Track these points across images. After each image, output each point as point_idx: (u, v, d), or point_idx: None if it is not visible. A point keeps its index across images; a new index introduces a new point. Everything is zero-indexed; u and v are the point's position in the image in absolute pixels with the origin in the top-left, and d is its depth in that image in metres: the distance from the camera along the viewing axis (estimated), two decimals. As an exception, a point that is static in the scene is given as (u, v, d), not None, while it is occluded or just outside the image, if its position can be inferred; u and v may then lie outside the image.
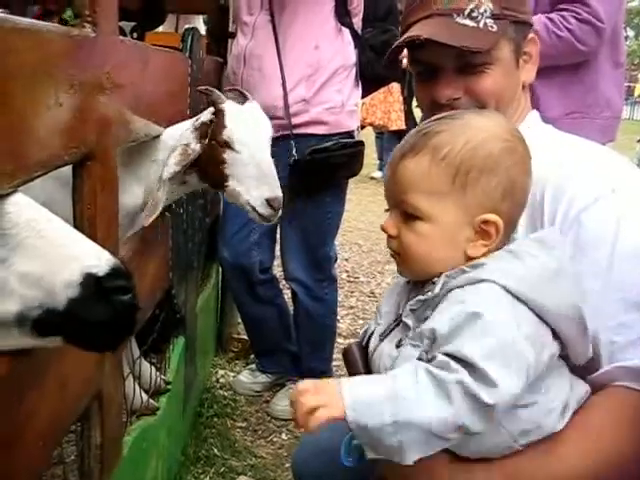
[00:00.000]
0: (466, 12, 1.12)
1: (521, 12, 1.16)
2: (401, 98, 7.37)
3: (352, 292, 4.25)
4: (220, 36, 2.75)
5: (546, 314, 0.89)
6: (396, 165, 0.98)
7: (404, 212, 0.97)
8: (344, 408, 0.84)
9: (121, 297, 0.82)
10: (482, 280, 0.89)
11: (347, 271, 4.68)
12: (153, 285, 1.66)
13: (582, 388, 0.97)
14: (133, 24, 2.71)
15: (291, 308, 2.87)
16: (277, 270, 2.91)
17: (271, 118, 2.40)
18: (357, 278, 4.55)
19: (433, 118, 1.01)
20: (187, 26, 2.03)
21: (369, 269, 4.76)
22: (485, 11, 1.11)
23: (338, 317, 3.51)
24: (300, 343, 2.83)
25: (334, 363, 3.06)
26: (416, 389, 0.83)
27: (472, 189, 0.93)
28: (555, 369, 0.93)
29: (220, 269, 3.09)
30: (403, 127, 6.91)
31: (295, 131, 2.42)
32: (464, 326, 0.85)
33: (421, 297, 0.95)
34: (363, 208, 6.39)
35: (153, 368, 1.93)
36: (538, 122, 1.23)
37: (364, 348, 1.07)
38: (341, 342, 3.39)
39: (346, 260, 4.92)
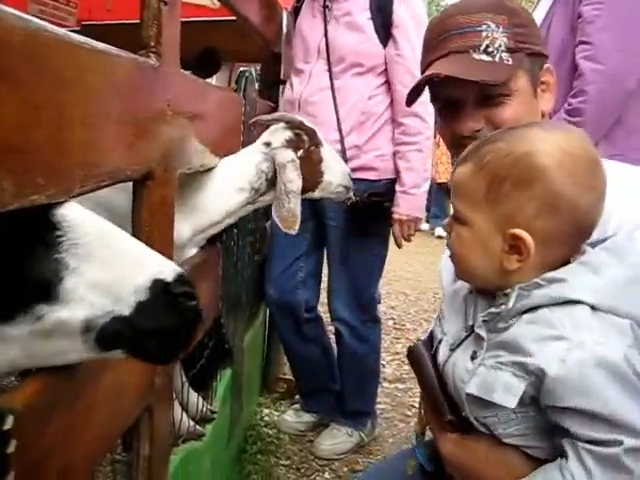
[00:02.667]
0: (482, 48, 1.17)
1: (535, 44, 1.20)
2: (448, 151, 7.46)
3: (398, 339, 4.24)
4: (272, 82, 2.87)
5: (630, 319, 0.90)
6: (454, 169, 1.03)
7: (454, 215, 1.02)
8: None
9: (188, 302, 0.85)
10: (570, 300, 0.89)
11: (393, 319, 4.67)
12: (205, 308, 1.71)
13: None
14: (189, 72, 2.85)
15: (335, 349, 2.89)
16: (321, 310, 2.95)
17: (324, 162, 2.51)
18: (403, 325, 4.54)
19: (498, 130, 1.04)
20: (242, 69, 2.13)
21: (415, 317, 4.75)
22: (500, 46, 1.16)
23: (384, 362, 3.52)
24: (344, 383, 2.84)
25: (379, 406, 3.06)
26: None
27: (505, 201, 0.93)
28: None
29: (267, 310, 3.14)
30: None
31: None
32: (592, 376, 0.85)
33: (494, 310, 0.96)
34: (410, 258, 6.39)
35: (199, 397, 1.97)
36: None
37: (430, 349, 1.09)
38: (386, 386, 3.38)
39: (392, 308, 4.92)
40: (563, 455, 0.88)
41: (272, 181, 1.76)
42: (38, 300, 0.78)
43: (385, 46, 2.46)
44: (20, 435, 0.76)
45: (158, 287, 0.82)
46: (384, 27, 2.44)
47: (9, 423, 0.74)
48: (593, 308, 0.89)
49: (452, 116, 1.23)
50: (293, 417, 2.92)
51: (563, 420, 0.87)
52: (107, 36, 1.12)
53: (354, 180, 2.48)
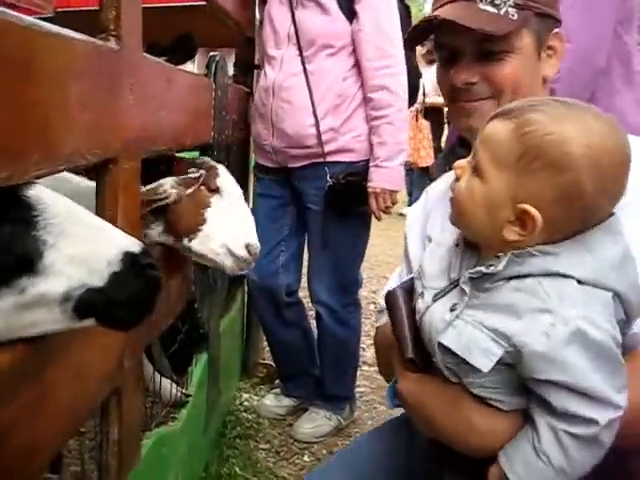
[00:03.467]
0: None
1: (546, 5, 1.18)
2: (430, 135, 7.47)
3: (378, 323, 4.26)
4: (246, 67, 2.87)
5: (619, 297, 0.91)
6: (490, 119, 0.98)
7: (474, 164, 0.97)
8: None
9: (153, 272, 0.95)
10: (559, 274, 0.90)
11: (374, 303, 4.69)
12: (176, 293, 1.72)
13: None
14: (164, 58, 2.84)
15: (315, 333, 2.91)
16: (302, 295, 2.96)
17: (301, 147, 2.53)
18: (384, 310, 4.56)
19: (552, 97, 1.02)
20: (212, 53, 2.13)
21: (396, 301, 4.77)
22: (508, 0, 1.15)
23: (364, 346, 3.54)
24: (324, 367, 2.86)
25: (358, 389, 3.09)
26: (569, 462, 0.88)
27: (530, 177, 0.91)
28: None
29: (246, 295, 3.15)
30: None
31: (326, 158, 2.52)
32: (573, 349, 0.87)
33: (483, 269, 0.95)
34: (392, 243, 6.41)
35: (172, 382, 1.98)
36: None
37: (409, 297, 1.08)
38: (366, 370, 3.41)
39: (374, 292, 4.94)
40: (534, 429, 0.90)
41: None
42: (21, 274, 0.85)
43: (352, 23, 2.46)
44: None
45: (128, 259, 0.92)
46: (348, 4, 2.44)
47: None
48: (580, 282, 0.89)
49: (450, 66, 1.22)
50: (273, 401, 2.93)
51: (541, 390, 0.89)
52: (81, 23, 1.12)
53: (333, 163, 2.52)
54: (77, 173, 1.55)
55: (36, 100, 0.90)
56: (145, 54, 1.35)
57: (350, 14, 2.44)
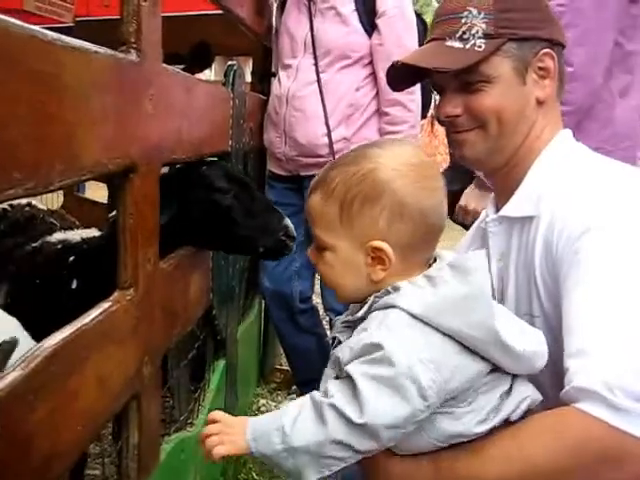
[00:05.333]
0: (457, 35, 1.16)
1: (525, 28, 1.16)
2: (446, 140, 7.46)
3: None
4: (263, 75, 2.90)
5: (460, 337, 0.91)
6: (308, 198, 1.06)
7: (316, 243, 1.04)
8: (247, 442, 0.92)
9: None
10: (392, 306, 0.94)
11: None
12: (195, 300, 1.75)
13: (525, 392, 0.98)
14: (182, 67, 2.88)
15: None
16: (317, 302, 2.98)
17: (313, 156, 2.54)
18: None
19: (345, 154, 1.08)
20: (230, 63, 2.15)
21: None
22: (477, 32, 1.14)
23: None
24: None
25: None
26: (298, 418, 0.90)
27: (358, 219, 0.97)
28: (485, 383, 0.95)
29: (263, 302, 3.17)
30: (448, 169, 6.95)
31: None
32: (361, 355, 0.91)
33: (350, 317, 1.02)
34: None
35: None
36: (564, 146, 1.21)
37: None
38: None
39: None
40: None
41: None
42: None
43: (370, 36, 2.48)
44: (3, 421, 0.79)
45: None
46: (369, 17, 2.46)
47: (-9, 409, 0.77)
48: (413, 316, 0.92)
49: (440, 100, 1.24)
50: (289, 407, 2.95)
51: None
52: (101, 32, 1.14)
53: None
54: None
55: (59, 112, 0.92)
56: (164, 65, 1.37)
57: (370, 27, 2.46)
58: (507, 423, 0.96)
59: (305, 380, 2.97)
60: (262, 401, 3.04)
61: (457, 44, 1.16)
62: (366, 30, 2.48)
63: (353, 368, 0.90)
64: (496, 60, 1.15)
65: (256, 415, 2.86)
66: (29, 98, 0.84)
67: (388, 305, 0.94)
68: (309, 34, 2.53)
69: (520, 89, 1.17)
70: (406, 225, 0.97)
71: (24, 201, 2.29)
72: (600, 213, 1.03)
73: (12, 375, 0.83)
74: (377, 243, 0.96)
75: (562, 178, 1.13)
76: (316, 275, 2.90)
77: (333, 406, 0.88)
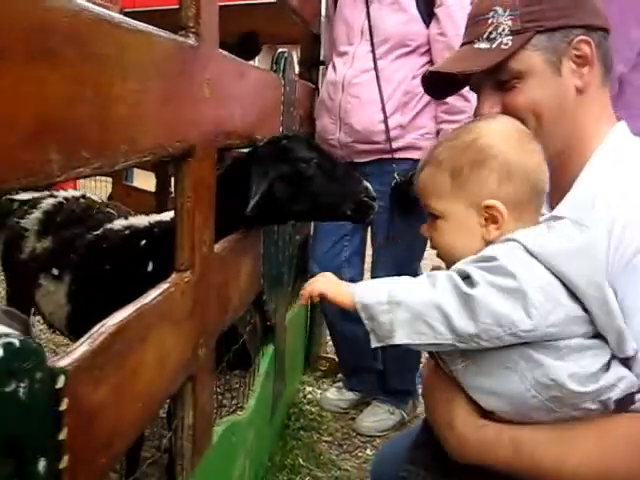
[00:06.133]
0: (485, 35, 1.15)
1: (552, 19, 1.13)
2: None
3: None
4: (312, 64, 2.90)
5: (569, 282, 0.94)
6: (417, 177, 1.14)
7: (430, 214, 1.11)
8: (350, 289, 1.04)
9: None
10: (508, 239, 1.00)
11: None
12: (246, 284, 1.76)
13: (622, 372, 0.97)
14: (231, 55, 2.89)
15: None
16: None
17: (369, 142, 2.54)
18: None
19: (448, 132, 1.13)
20: (280, 50, 2.16)
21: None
22: (504, 30, 1.13)
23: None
24: (386, 362, 2.86)
25: (420, 385, 3.07)
26: (412, 280, 1.01)
27: (468, 183, 1.05)
28: (589, 347, 0.96)
29: (310, 289, 3.18)
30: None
31: (393, 155, 2.53)
32: (477, 261, 0.98)
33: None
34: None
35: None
36: (619, 143, 1.16)
37: None
38: (428, 366, 3.39)
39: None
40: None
41: None
42: None
43: (428, 26, 2.46)
44: (71, 394, 0.81)
45: None
46: (427, 6, 2.44)
47: (61, 382, 0.79)
48: (528, 250, 0.96)
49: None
50: (335, 395, 2.96)
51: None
52: (148, 22, 1.15)
53: (400, 160, 2.52)
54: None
55: (123, 94, 0.93)
56: (220, 50, 1.38)
57: (427, 16, 2.44)
58: (606, 405, 0.96)
59: (352, 369, 2.99)
60: (308, 389, 3.07)
61: (484, 45, 1.16)
62: (424, 19, 2.46)
63: (466, 266, 0.97)
64: (525, 55, 1.14)
65: (302, 402, 2.90)
66: (95, 79, 0.85)
67: (504, 239, 1.01)
68: (366, 22, 2.52)
69: (556, 81, 1.14)
70: (514, 184, 1.03)
71: (78, 193, 2.35)
72: None
73: (79, 350, 0.85)
74: (490, 202, 1.03)
75: (618, 180, 1.08)
76: (365, 263, 2.91)
77: (448, 275, 0.96)
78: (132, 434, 1.07)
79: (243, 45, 3.11)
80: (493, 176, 1.03)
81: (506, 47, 1.13)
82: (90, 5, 0.82)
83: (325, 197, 1.72)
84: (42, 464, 0.77)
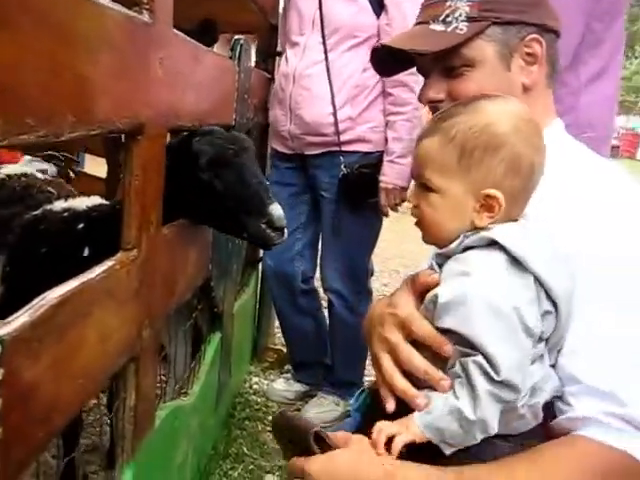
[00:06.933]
0: (441, 18, 1.15)
1: (511, 12, 1.14)
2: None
3: (389, 315, 4.28)
4: (268, 54, 2.90)
5: (545, 285, 0.95)
6: (417, 145, 1.07)
7: (423, 185, 1.05)
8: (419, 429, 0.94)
9: None
10: (492, 242, 0.96)
11: (386, 295, 4.71)
12: (194, 269, 1.75)
13: (555, 379, 1.00)
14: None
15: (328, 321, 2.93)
16: (317, 285, 2.99)
17: (318, 135, 2.55)
18: (395, 302, 4.58)
19: (450, 105, 1.09)
20: (237, 37, 2.15)
21: (407, 294, 4.79)
22: (460, 15, 1.13)
23: (374, 335, 3.55)
24: (334, 354, 2.89)
25: (367, 378, 3.10)
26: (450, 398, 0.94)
27: (476, 167, 1.00)
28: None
29: (259, 280, 3.18)
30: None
31: (342, 148, 2.54)
32: (474, 304, 0.93)
33: (440, 250, 1.04)
34: (404, 237, 6.43)
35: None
36: (557, 136, 1.19)
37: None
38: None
39: (385, 285, 4.97)
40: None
41: None
42: None
43: (379, 17, 2.48)
44: (7, 364, 0.79)
45: None
46: None
47: (-3, 351, 0.77)
48: (508, 255, 0.95)
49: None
50: (283, 386, 2.97)
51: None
52: None
53: (348, 152, 2.54)
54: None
55: (70, 62, 0.92)
56: (175, 30, 1.37)
57: (378, 7, 2.46)
58: (535, 414, 0.98)
59: (301, 361, 3.00)
60: (255, 379, 3.07)
61: (439, 27, 1.15)
62: (375, 11, 2.48)
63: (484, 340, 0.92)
64: (479, 44, 1.14)
65: (248, 392, 2.89)
66: (42, 46, 0.84)
67: (486, 241, 0.97)
68: (317, 12, 2.52)
69: (504, 75, 1.15)
70: (519, 178, 1.01)
71: (20, 171, 2.28)
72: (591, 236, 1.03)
73: (19, 320, 0.84)
74: (492, 191, 1.00)
75: (557, 187, 1.10)
76: (318, 256, 2.92)
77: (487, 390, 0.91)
78: (71, 410, 1.05)
79: (201, 32, 3.08)
80: (501, 166, 1.00)
81: (461, 32, 1.13)
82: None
83: (220, 212, 1.59)
84: (-25, 434, 0.76)
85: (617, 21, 1.89)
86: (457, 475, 0.94)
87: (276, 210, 1.55)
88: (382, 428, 0.96)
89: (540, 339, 0.96)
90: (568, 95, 1.86)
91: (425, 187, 1.05)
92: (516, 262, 0.94)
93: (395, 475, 0.94)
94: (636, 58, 32.52)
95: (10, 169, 2.30)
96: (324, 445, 0.99)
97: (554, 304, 0.96)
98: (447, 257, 1.02)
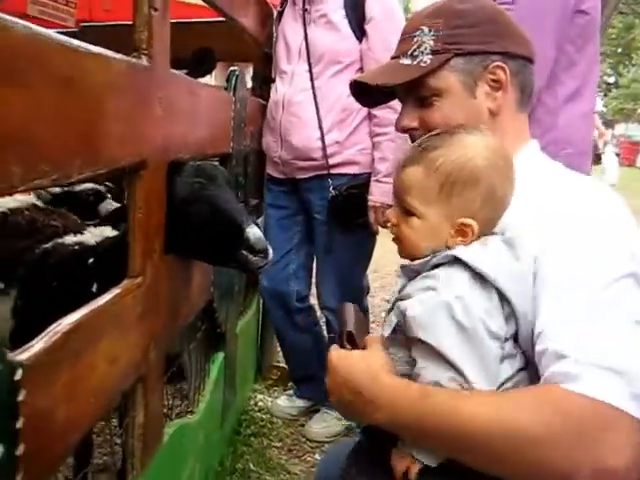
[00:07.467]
0: (409, 52, 1.25)
1: (472, 43, 1.22)
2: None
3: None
4: (263, 81, 3.01)
5: (505, 294, 1.04)
6: (400, 171, 1.16)
7: (404, 208, 1.15)
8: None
9: None
10: (456, 259, 1.06)
11: (385, 311, 4.79)
12: (196, 293, 1.84)
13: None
14: (185, 71, 2.97)
15: (327, 338, 3.01)
16: (314, 302, 3.07)
17: (307, 159, 2.66)
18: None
19: (431, 134, 1.17)
20: (232, 68, 2.25)
21: (408, 309, 4.87)
22: (425, 49, 1.23)
23: (374, 351, 3.62)
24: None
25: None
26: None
27: (456, 198, 1.10)
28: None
29: (261, 301, 3.27)
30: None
31: (330, 171, 2.64)
32: (440, 316, 1.03)
33: (412, 264, 1.14)
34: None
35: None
36: (530, 157, 1.27)
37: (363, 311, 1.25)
38: (376, 374, 3.49)
39: (387, 301, 5.05)
40: None
41: None
42: None
43: (360, 42, 2.59)
44: (27, 386, 0.88)
45: None
46: (359, 24, 2.57)
47: (19, 375, 0.86)
48: (471, 271, 1.04)
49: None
50: (286, 402, 3.04)
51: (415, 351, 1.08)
52: (105, 36, 1.24)
53: (337, 175, 2.64)
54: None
55: (78, 113, 1.02)
56: (172, 70, 1.47)
57: (360, 33, 2.57)
58: None
59: (301, 377, 3.07)
60: (259, 396, 3.14)
61: (407, 61, 1.25)
62: (357, 36, 2.59)
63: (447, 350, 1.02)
64: (444, 74, 1.23)
65: (253, 410, 2.97)
66: (54, 99, 0.93)
67: (450, 257, 1.07)
68: (303, 42, 2.64)
69: (469, 102, 1.24)
70: (491, 209, 1.12)
71: (25, 202, 2.30)
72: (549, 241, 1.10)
73: (37, 347, 0.92)
74: (469, 221, 1.10)
75: (527, 200, 1.17)
76: (312, 275, 3.01)
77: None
78: (84, 426, 1.14)
79: (198, 61, 3.19)
80: (479, 199, 1.10)
81: (425, 65, 1.23)
82: (49, 31, 0.90)
83: (202, 250, 1.60)
84: (0, 450, 0.84)
85: (590, 43, 1.97)
86: (422, 393, 1.04)
87: (253, 234, 1.52)
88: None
89: (506, 339, 1.06)
90: (546, 114, 1.95)
91: (405, 210, 1.15)
92: (478, 276, 1.04)
93: (377, 379, 1.09)
94: (633, 66, 32.70)
95: (11, 201, 2.31)
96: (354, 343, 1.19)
97: (513, 308, 1.05)
98: (417, 272, 1.12)
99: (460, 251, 1.07)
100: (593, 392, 0.94)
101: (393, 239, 1.18)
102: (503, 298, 1.04)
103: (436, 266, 1.09)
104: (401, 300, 1.11)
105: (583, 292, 1.03)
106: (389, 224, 1.19)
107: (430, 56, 1.23)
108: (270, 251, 1.56)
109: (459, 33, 1.23)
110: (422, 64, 1.23)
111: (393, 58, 1.31)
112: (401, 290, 1.14)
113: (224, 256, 1.58)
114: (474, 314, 1.01)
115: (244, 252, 1.53)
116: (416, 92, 1.26)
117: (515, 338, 1.08)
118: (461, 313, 1.01)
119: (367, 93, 1.39)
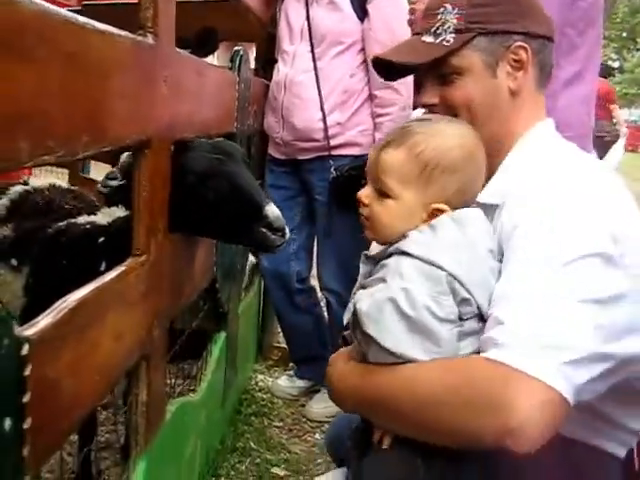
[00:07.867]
0: (432, 30, 1.26)
1: (496, 22, 1.23)
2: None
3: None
4: (266, 61, 2.99)
5: (457, 278, 1.06)
6: (379, 151, 1.19)
7: (379, 189, 1.18)
8: None
9: None
10: (402, 251, 1.10)
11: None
12: (199, 272, 1.85)
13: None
14: (189, 51, 2.96)
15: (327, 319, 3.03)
16: (315, 283, 3.08)
17: (309, 140, 2.65)
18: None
19: (415, 119, 1.21)
20: (236, 48, 2.24)
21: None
22: (449, 27, 1.24)
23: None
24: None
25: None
26: None
27: (434, 183, 1.14)
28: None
29: (263, 282, 3.28)
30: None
31: (332, 152, 2.64)
32: (384, 311, 1.06)
33: (370, 254, 1.21)
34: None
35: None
36: (544, 137, 1.29)
37: None
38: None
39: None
40: None
41: None
42: None
43: (362, 22, 2.58)
44: (34, 361, 0.89)
45: None
46: (361, 4, 2.56)
47: (25, 350, 0.87)
48: (416, 259, 1.08)
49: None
50: (286, 382, 3.06)
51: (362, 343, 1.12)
52: (107, 16, 1.23)
53: (338, 156, 2.64)
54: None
55: (84, 90, 1.02)
56: (177, 49, 1.47)
57: (362, 13, 2.56)
58: None
59: (301, 358, 3.09)
60: (260, 377, 3.16)
61: (430, 39, 1.26)
62: (359, 17, 2.58)
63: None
64: (466, 53, 1.24)
65: (253, 389, 2.99)
66: (61, 76, 0.93)
67: (399, 251, 1.11)
68: (305, 22, 2.63)
69: (490, 81, 1.25)
70: (464, 196, 1.16)
71: (47, 182, 2.31)
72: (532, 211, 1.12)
73: (43, 322, 0.93)
74: (442, 206, 1.14)
75: (529, 171, 1.20)
76: (313, 257, 3.01)
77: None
78: (90, 404, 1.15)
79: (201, 41, 3.18)
80: (454, 186, 1.14)
81: (448, 44, 1.24)
82: (57, 8, 0.90)
83: (215, 222, 1.57)
84: (8, 423, 0.85)
85: (592, 27, 1.97)
86: (362, 372, 1.13)
87: (272, 212, 1.53)
88: None
89: (466, 319, 1.08)
90: (546, 97, 1.95)
91: (380, 191, 1.18)
92: (426, 261, 1.07)
93: (333, 363, 1.28)
94: (637, 51, 32.47)
95: (36, 182, 2.33)
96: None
97: (469, 292, 1.07)
98: (377, 261, 1.17)
99: (407, 244, 1.10)
100: (511, 360, 0.96)
101: (362, 219, 1.21)
102: (455, 279, 1.06)
103: (391, 255, 1.13)
104: (363, 288, 1.15)
105: (544, 266, 1.04)
106: (360, 204, 1.21)
107: (453, 35, 1.24)
108: (287, 230, 1.57)
109: (482, 12, 1.24)
110: (445, 43, 1.24)
111: (415, 34, 1.31)
112: (366, 277, 1.19)
113: (241, 233, 1.57)
114: (419, 303, 1.03)
115: (262, 229, 1.53)
116: (437, 70, 1.27)
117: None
118: (406, 304, 1.03)
119: (386, 68, 1.39)
